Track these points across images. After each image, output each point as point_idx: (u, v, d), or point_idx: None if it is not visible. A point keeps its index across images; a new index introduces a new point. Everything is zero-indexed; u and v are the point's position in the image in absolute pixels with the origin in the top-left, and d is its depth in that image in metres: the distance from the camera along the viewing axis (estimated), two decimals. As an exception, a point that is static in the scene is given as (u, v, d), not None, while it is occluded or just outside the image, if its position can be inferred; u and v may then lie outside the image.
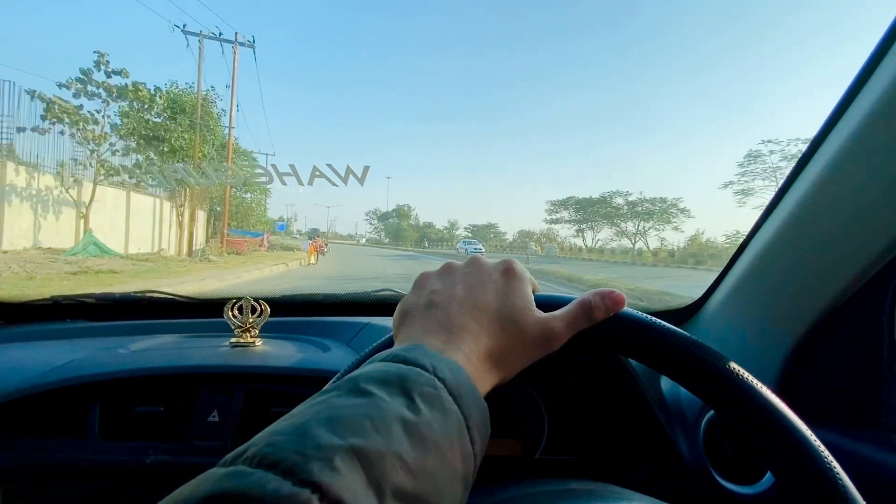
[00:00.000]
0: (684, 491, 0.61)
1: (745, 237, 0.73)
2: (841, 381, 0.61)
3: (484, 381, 0.30)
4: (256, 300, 0.82)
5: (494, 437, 0.72)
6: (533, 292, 0.36)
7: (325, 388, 0.25)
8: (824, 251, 0.58)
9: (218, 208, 16.64)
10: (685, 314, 0.84)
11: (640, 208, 32.95)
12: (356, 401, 0.23)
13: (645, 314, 0.35)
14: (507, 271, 0.35)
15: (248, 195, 20.18)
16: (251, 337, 0.80)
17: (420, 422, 0.23)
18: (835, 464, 0.29)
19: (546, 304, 0.34)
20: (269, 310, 0.82)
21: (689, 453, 0.61)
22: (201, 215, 16.34)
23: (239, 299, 0.81)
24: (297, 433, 0.21)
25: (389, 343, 0.35)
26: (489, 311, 0.32)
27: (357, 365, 0.33)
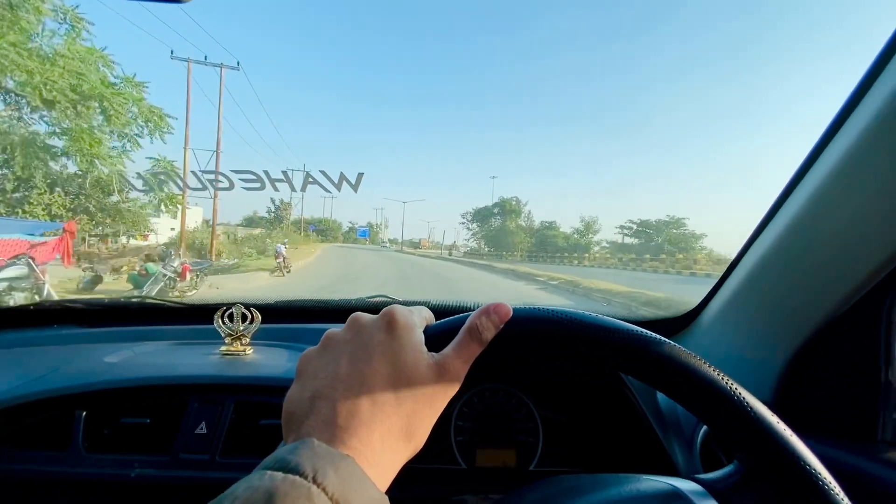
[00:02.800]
0: None
1: (741, 247, 0.72)
2: (838, 394, 0.60)
3: (388, 464, 0.28)
4: (248, 307, 0.81)
5: (490, 448, 0.72)
6: (426, 328, 0.34)
7: None
8: (820, 264, 0.58)
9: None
10: (680, 323, 0.83)
11: None
12: None
13: (536, 306, 0.34)
14: (390, 325, 0.32)
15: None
16: (242, 345, 0.79)
17: None
18: (795, 440, 0.29)
19: (439, 335, 0.33)
20: (260, 318, 0.80)
21: (685, 466, 0.60)
22: None
23: (230, 307, 0.80)
24: None
25: None
26: (380, 382, 0.30)
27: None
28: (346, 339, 0.33)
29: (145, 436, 0.65)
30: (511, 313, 0.33)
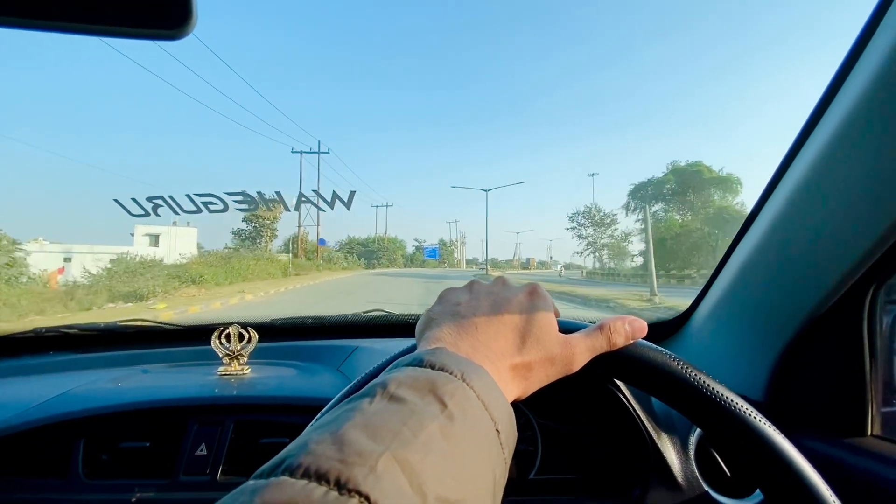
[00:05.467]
0: None
1: (728, 247, 0.74)
2: (827, 390, 0.61)
3: (507, 391, 0.30)
4: (244, 327, 0.81)
5: None
6: (555, 317, 0.36)
7: (354, 395, 0.24)
8: (801, 263, 0.59)
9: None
10: (673, 326, 0.85)
11: None
12: (391, 406, 0.23)
13: (661, 348, 0.35)
14: (532, 293, 0.36)
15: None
16: (240, 365, 0.79)
17: (455, 428, 0.23)
18: (817, 477, 0.30)
19: (566, 329, 0.35)
20: (256, 337, 0.81)
21: (680, 469, 0.61)
22: None
23: (226, 327, 0.80)
24: (335, 441, 0.20)
25: (411, 351, 0.34)
26: (513, 327, 0.33)
27: (380, 371, 0.33)
28: (490, 288, 0.36)
29: (145, 459, 0.65)
30: (646, 332, 0.35)
